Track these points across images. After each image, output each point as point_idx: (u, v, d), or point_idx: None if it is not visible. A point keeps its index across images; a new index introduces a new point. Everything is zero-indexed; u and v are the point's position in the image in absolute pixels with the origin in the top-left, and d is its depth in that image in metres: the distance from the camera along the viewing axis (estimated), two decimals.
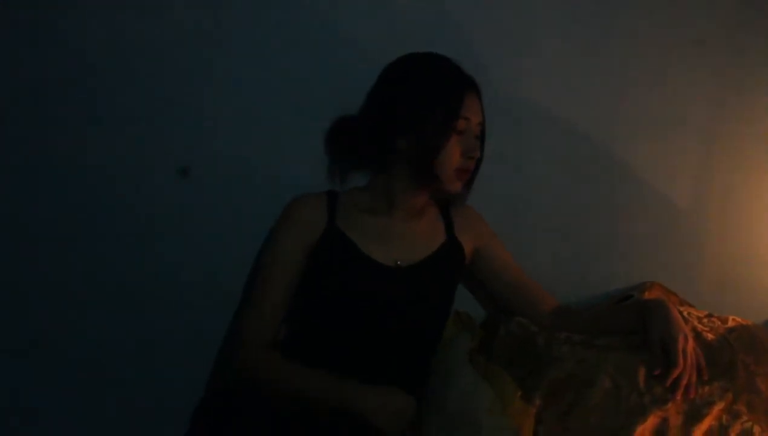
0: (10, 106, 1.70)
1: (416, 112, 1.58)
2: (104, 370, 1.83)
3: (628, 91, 1.87)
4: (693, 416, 1.48)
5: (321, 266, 1.63)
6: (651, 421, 1.46)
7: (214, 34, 1.72)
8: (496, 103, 1.79)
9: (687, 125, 1.90)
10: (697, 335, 1.60)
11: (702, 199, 1.94)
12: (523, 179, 1.90)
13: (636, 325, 1.58)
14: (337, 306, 1.61)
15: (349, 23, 1.78)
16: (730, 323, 1.67)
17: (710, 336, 1.61)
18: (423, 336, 1.68)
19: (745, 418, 1.48)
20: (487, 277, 1.79)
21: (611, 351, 1.56)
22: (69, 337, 1.80)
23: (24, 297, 1.78)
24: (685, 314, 1.68)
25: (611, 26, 1.84)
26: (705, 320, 1.68)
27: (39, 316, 1.79)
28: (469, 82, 1.63)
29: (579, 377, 1.53)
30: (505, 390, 1.53)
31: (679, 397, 1.48)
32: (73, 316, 1.79)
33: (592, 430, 1.46)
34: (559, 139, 1.89)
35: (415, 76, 1.61)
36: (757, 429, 1.47)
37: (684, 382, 1.49)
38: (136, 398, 1.83)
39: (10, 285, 1.77)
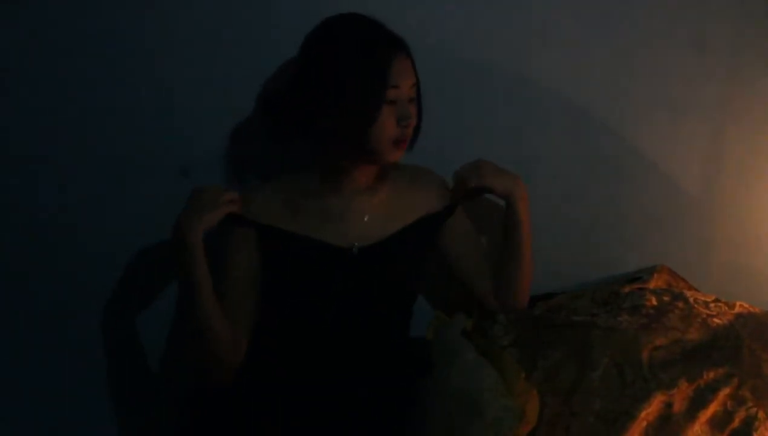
0: (10, 106, 1.70)
1: (341, 90, 1.46)
2: (103, 368, 1.85)
3: (638, 76, 1.85)
4: (698, 402, 1.47)
5: (272, 269, 1.56)
6: (655, 406, 1.45)
7: (214, 33, 1.71)
8: (506, 88, 1.78)
9: (697, 109, 1.88)
10: (703, 321, 1.60)
11: (712, 184, 1.93)
12: (531, 164, 1.89)
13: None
14: (298, 299, 1.55)
15: None
16: (737, 309, 1.66)
17: (716, 321, 1.61)
18: (390, 320, 1.62)
19: (750, 404, 1.48)
20: (450, 258, 1.70)
21: (615, 332, 1.55)
22: (67, 336, 1.81)
23: (22, 296, 1.79)
24: (691, 299, 1.67)
25: (622, 12, 1.83)
26: (712, 305, 1.67)
27: (36, 314, 1.80)
28: (394, 45, 1.48)
29: (581, 359, 1.52)
30: (508, 371, 1.53)
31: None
32: (70, 315, 1.80)
33: (595, 413, 1.46)
34: (568, 124, 1.88)
35: (333, 50, 1.47)
36: (762, 415, 1.46)
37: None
38: (134, 396, 1.86)
39: (7, 283, 1.78)
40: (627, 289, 1.77)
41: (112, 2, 1.67)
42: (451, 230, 1.68)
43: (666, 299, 1.68)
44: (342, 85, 1.45)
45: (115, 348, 1.85)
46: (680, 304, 1.65)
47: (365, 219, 1.58)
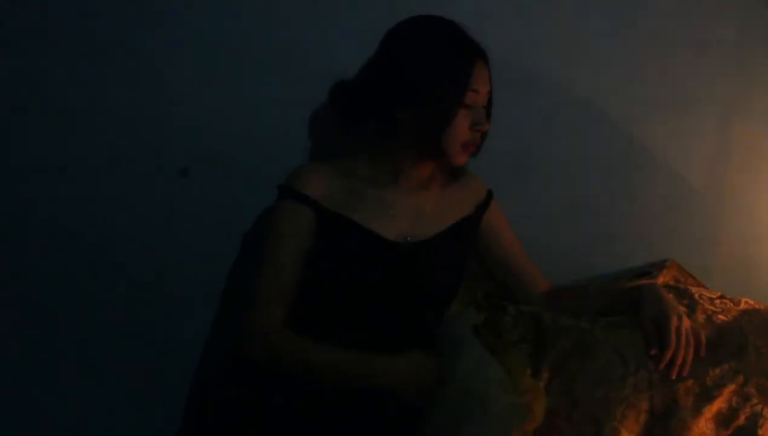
0: (10, 106, 1.71)
1: (422, 85, 1.51)
2: (103, 368, 1.86)
3: (645, 74, 1.85)
4: (703, 398, 1.47)
5: (323, 252, 1.57)
6: (659, 400, 1.45)
7: (215, 33, 1.72)
8: (514, 87, 1.78)
9: (703, 106, 1.89)
10: (708, 318, 1.59)
11: (718, 179, 1.93)
12: (538, 161, 1.90)
13: (626, 307, 1.56)
14: (343, 287, 1.56)
15: (351, 23, 1.77)
16: (743, 306, 1.64)
17: (721, 318, 1.59)
18: (432, 313, 1.64)
19: (755, 401, 1.47)
20: (486, 253, 1.73)
21: (620, 328, 1.55)
22: (68, 335, 1.83)
23: (21, 295, 1.81)
24: (696, 295, 1.67)
25: (629, 12, 1.83)
26: (717, 302, 1.65)
27: (37, 314, 1.82)
28: (478, 51, 1.55)
29: (584, 347, 1.52)
30: (515, 367, 1.53)
31: (673, 376, 1.46)
32: (70, 314, 1.82)
33: (597, 401, 1.45)
34: (575, 121, 1.88)
35: (421, 45, 1.53)
36: (767, 412, 1.46)
37: (679, 361, 1.46)
38: (133, 394, 1.86)
39: (8, 283, 1.80)
40: (635, 284, 1.77)
41: (112, 2, 1.68)
42: (490, 227, 1.71)
43: (671, 296, 1.67)
44: (426, 81, 1.51)
45: (115, 347, 1.85)
46: (685, 301, 1.64)
47: (416, 215, 1.62)
